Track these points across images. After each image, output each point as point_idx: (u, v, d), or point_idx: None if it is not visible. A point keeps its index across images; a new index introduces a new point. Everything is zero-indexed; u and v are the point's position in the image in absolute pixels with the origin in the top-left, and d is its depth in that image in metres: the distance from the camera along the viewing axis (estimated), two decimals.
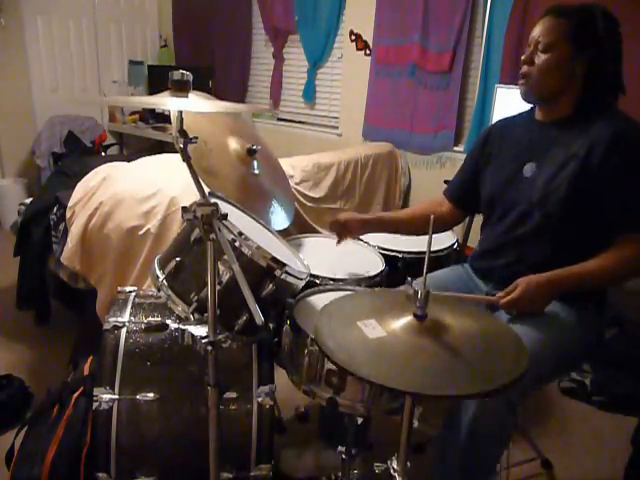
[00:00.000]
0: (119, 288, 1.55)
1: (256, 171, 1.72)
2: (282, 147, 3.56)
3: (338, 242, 1.67)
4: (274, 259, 1.17)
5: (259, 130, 4.07)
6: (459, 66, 3.16)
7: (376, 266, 1.72)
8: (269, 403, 1.33)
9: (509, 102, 2.61)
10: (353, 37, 3.65)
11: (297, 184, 2.64)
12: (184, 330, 1.11)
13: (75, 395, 1.48)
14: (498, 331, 1.04)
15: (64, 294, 2.40)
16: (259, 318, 0.97)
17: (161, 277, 1.20)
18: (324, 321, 1.00)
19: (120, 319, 1.39)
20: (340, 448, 1.40)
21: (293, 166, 2.67)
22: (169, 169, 2.20)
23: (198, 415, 1.30)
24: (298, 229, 2.35)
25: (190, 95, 1.04)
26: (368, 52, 3.59)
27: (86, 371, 1.57)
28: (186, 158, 1.04)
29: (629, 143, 1.30)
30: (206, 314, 1.04)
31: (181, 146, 1.03)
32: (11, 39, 3.90)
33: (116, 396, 1.29)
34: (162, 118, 4.33)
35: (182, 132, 1.03)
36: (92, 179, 2.22)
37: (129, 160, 2.44)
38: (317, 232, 2.53)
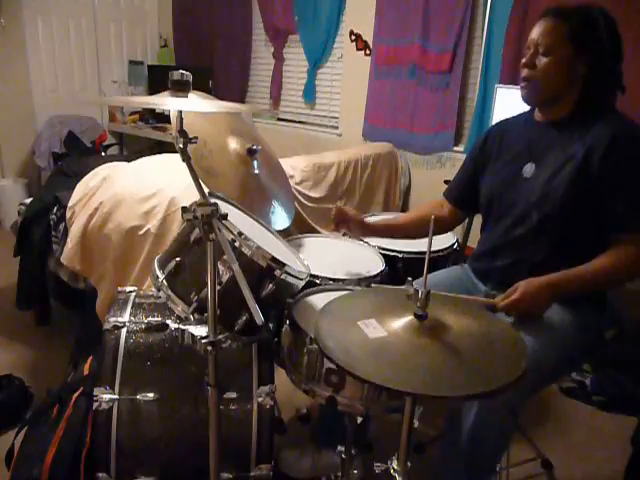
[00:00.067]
0: (119, 288, 1.55)
1: (256, 171, 1.72)
2: (282, 147, 3.54)
3: (334, 230, 1.68)
4: (274, 259, 1.16)
5: (259, 130, 4.06)
6: (459, 66, 3.15)
7: (376, 266, 1.72)
8: (269, 403, 1.33)
9: (509, 102, 2.60)
10: (353, 37, 3.65)
11: (297, 184, 2.63)
12: (184, 330, 1.11)
13: (75, 395, 1.48)
14: (499, 331, 1.04)
15: (64, 294, 2.40)
16: (259, 318, 0.97)
17: (161, 277, 1.20)
18: (324, 321, 1.00)
19: (120, 319, 1.39)
20: (340, 448, 1.40)
21: (293, 166, 2.67)
22: (169, 169, 2.20)
23: (198, 415, 1.30)
24: (298, 229, 2.35)
25: (190, 95, 1.04)
26: (368, 52, 3.58)
27: (86, 371, 1.57)
28: (186, 158, 1.04)
29: (628, 145, 1.29)
30: (206, 314, 1.04)
31: (181, 146, 1.03)
32: (11, 39, 3.90)
33: (116, 396, 1.29)
34: (162, 118, 4.33)
35: (182, 132, 1.03)
36: (92, 179, 2.22)
37: (129, 160, 2.45)
38: (317, 232, 2.53)
